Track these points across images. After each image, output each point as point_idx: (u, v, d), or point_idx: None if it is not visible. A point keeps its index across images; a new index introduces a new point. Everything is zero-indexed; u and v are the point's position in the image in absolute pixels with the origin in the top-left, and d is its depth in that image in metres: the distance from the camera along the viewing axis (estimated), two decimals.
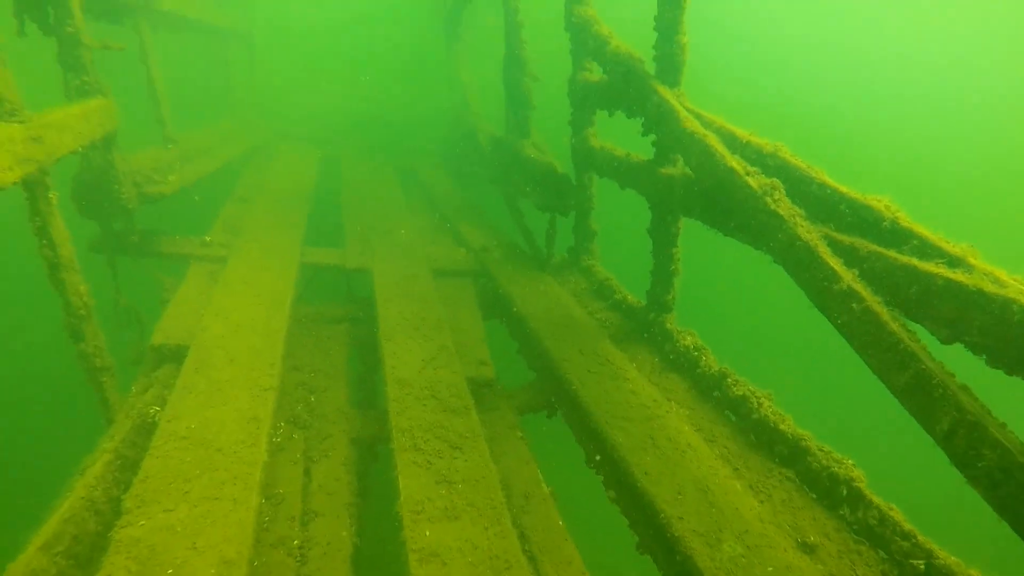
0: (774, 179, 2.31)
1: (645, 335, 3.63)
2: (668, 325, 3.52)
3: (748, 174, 2.37)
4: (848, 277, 1.96)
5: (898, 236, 1.97)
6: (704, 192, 2.80)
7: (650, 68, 3.25)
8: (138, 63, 4.87)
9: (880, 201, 2.07)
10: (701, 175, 2.68)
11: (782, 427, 2.66)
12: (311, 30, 11.24)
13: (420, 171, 7.51)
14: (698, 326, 3.53)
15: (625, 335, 3.64)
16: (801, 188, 2.33)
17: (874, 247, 1.97)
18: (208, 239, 4.47)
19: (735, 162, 2.43)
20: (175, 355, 3.14)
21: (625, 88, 3.30)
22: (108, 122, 3.59)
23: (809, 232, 2.13)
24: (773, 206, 2.23)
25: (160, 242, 4.32)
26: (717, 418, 2.94)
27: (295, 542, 2.29)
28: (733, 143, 2.64)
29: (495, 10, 5.61)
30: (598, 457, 2.81)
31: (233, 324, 3.31)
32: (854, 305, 1.89)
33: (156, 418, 2.68)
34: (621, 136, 4.01)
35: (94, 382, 3.19)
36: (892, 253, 1.90)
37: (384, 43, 11.00)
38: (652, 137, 3.32)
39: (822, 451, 2.50)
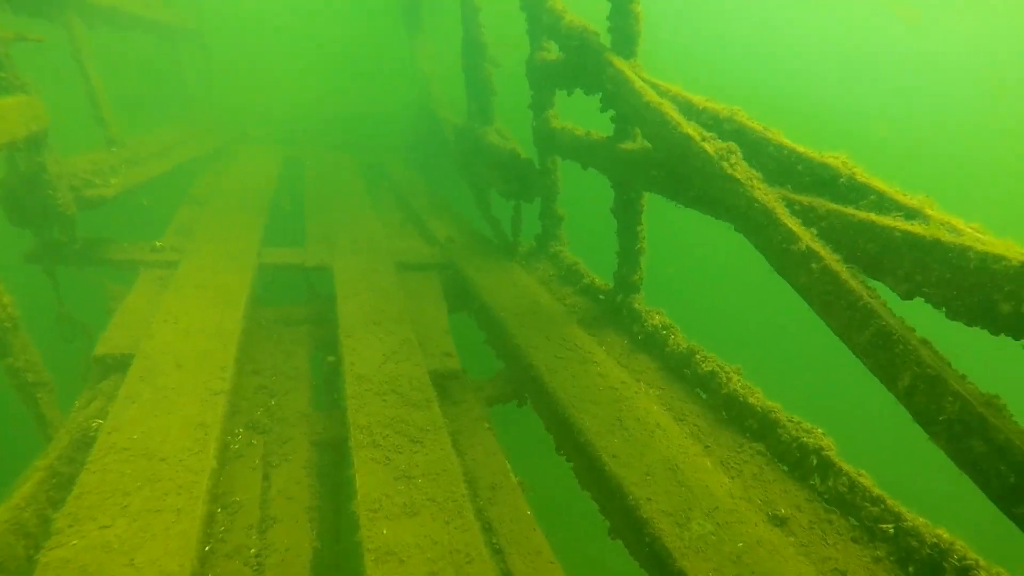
0: (730, 143, 2.23)
1: (614, 318, 3.54)
2: (636, 305, 3.44)
3: (704, 139, 2.29)
4: (807, 237, 1.88)
5: (856, 192, 1.90)
6: (662, 163, 2.71)
7: (606, 41, 3.16)
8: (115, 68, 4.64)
9: (837, 158, 2.00)
10: (658, 145, 2.59)
11: (751, 400, 2.59)
12: (269, 27, 10.97)
13: (386, 166, 7.35)
14: (668, 304, 3.46)
15: (594, 319, 3.55)
16: (758, 150, 2.25)
17: (832, 205, 1.89)
18: (159, 244, 4.26)
19: (691, 128, 2.35)
20: (121, 365, 2.96)
21: (580, 63, 3.21)
22: (32, 122, 3.33)
23: (766, 194, 2.05)
24: (730, 170, 2.15)
25: (106, 249, 4.10)
26: (687, 396, 2.86)
27: (252, 551, 2.17)
28: (689, 110, 2.56)
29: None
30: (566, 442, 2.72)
31: (183, 329, 3.15)
32: (813, 265, 1.82)
33: (97, 432, 2.52)
34: (589, 123, 3.90)
35: (27, 398, 2.98)
36: (850, 210, 1.83)
37: (346, 38, 10.78)
38: (611, 113, 3.23)
39: (792, 422, 2.44)
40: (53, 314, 3.98)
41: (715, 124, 2.45)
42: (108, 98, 4.89)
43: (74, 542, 1.86)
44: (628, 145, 3.14)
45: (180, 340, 3.03)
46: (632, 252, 3.39)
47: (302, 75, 10.18)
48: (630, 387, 2.86)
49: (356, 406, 2.71)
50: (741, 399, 2.62)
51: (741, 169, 2.16)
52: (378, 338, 3.25)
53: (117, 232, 4.34)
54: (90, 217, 4.16)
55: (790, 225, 1.93)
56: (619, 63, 2.93)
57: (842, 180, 1.94)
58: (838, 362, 2.48)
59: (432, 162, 6.98)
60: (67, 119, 4.81)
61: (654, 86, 2.77)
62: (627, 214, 3.31)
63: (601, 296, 3.74)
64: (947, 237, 1.50)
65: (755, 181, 2.12)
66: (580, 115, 4.04)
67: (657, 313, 3.32)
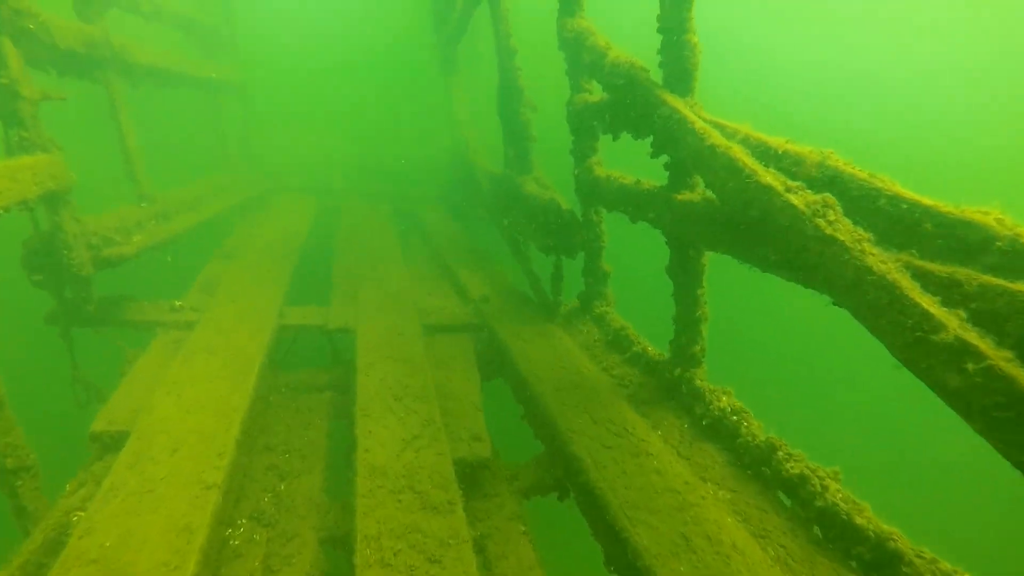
0: (825, 194, 1.75)
1: (671, 395, 3.00)
2: (698, 382, 2.89)
3: (789, 191, 1.82)
4: (953, 324, 1.36)
5: (1021, 260, 1.38)
6: (732, 218, 2.24)
7: (657, 78, 2.77)
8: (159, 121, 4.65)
9: (988, 214, 1.49)
10: (726, 197, 2.13)
11: (858, 520, 2.00)
12: (306, 78, 11.25)
13: (420, 215, 7.14)
14: (732, 378, 2.91)
15: (647, 396, 3.02)
16: (864, 205, 1.77)
17: (987, 278, 1.38)
18: (179, 303, 4.07)
19: (771, 177, 1.89)
20: (117, 444, 2.68)
21: (628, 102, 2.81)
22: (50, 181, 3.24)
23: (884, 262, 1.55)
24: (828, 230, 1.67)
25: (125, 309, 3.93)
26: (767, 503, 2.28)
27: None
28: (766, 155, 2.10)
29: (488, 39, 5.27)
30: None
31: (185, 403, 2.86)
32: (969, 365, 1.29)
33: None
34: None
35: (6, 487, 2.70)
36: (1020, 286, 1.31)
37: (382, 87, 10.93)
38: (664, 159, 2.81)
39: (921, 559, 1.83)
40: (67, 377, 3.83)
41: (801, 171, 1.98)
42: (143, 152, 4.85)
43: None
44: (687, 196, 2.68)
45: (180, 417, 2.73)
46: (692, 319, 2.88)
47: (338, 124, 10.31)
48: (695, 490, 2.31)
49: (366, 507, 2.29)
50: (844, 517, 2.03)
51: (844, 228, 1.67)
52: (399, 418, 2.85)
53: (145, 289, 4.19)
54: (113, 274, 4.02)
55: (925, 306, 1.42)
56: (674, 101, 2.52)
57: (999, 244, 1.43)
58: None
59: (468, 211, 6.71)
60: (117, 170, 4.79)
61: (718, 127, 2.33)
62: (685, 275, 2.82)
63: (655, 368, 3.22)
64: None
65: (865, 244, 1.62)
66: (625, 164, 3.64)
67: (724, 393, 2.77)
